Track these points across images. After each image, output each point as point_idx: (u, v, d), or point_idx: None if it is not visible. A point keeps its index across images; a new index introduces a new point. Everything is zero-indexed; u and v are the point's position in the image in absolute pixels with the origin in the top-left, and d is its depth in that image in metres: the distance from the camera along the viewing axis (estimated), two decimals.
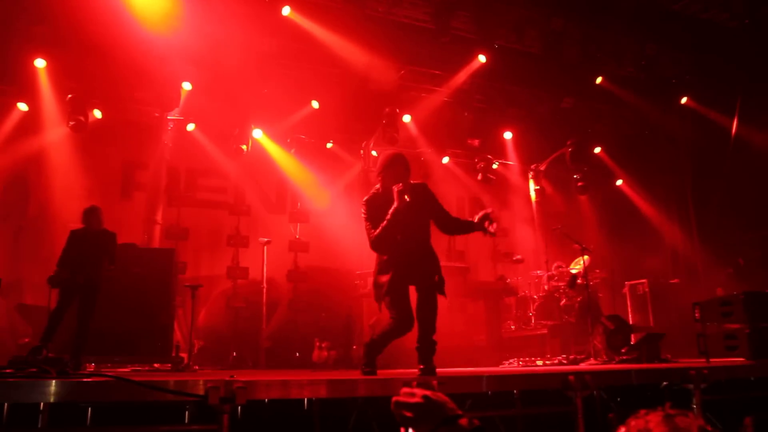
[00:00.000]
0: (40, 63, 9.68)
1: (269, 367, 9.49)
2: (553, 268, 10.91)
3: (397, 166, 4.85)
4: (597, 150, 13.76)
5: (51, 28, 9.48)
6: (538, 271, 11.17)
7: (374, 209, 4.79)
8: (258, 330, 10.34)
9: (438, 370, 4.82)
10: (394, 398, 1.52)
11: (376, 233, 4.69)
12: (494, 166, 13.11)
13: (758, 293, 5.79)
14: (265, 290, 10.52)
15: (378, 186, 4.95)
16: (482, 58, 11.10)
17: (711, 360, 5.66)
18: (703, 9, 11.94)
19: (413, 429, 1.45)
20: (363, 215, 4.85)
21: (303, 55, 11.29)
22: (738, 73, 11.93)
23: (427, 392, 1.48)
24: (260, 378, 4.46)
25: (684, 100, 13.08)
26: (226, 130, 11.39)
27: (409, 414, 1.45)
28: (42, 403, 3.19)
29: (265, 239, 10.39)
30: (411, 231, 4.82)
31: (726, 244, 12.62)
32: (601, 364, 6.33)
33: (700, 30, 12.54)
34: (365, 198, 4.95)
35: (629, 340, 6.85)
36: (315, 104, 11.46)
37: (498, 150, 13.25)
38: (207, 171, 11.54)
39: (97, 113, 10.52)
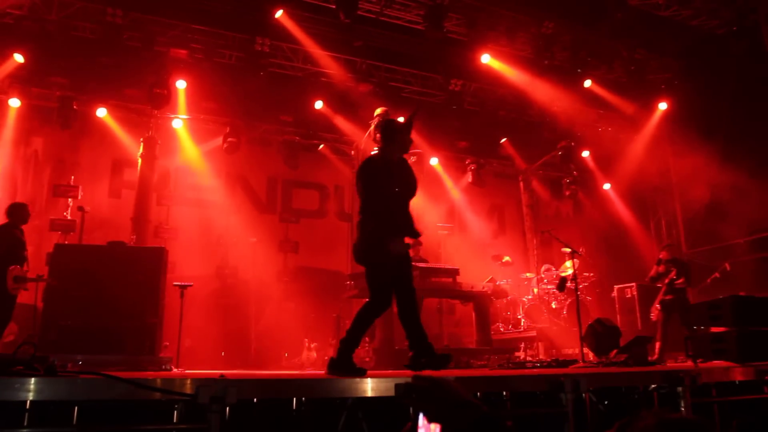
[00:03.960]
0: (18, 58, 9.53)
1: (258, 366, 9.45)
2: (542, 271, 10.96)
3: (407, 134, 4.70)
4: (585, 154, 13.86)
5: (35, 21, 9.38)
6: (528, 274, 11.22)
7: (378, 177, 4.56)
8: (246, 330, 10.29)
9: (428, 371, 4.80)
10: (407, 382, 1.53)
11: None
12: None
13: (746, 297, 5.85)
14: (254, 290, 10.47)
15: (375, 152, 4.72)
16: (486, 58, 11.13)
17: (699, 363, 5.70)
18: (693, 16, 12.06)
19: (423, 413, 1.45)
20: (363, 181, 4.58)
21: (295, 55, 11.29)
22: (725, 79, 12.05)
23: (437, 377, 1.49)
24: (250, 377, 4.43)
25: (664, 105, 13.20)
26: (216, 129, 11.35)
27: (419, 398, 1.46)
28: (28, 402, 3.14)
29: (255, 239, 10.35)
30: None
31: (713, 249, 12.74)
32: (590, 366, 6.35)
33: (690, 36, 12.67)
34: (363, 166, 4.66)
35: (618, 343, 6.88)
36: (319, 104, 11.43)
37: (488, 152, 13.30)
38: (197, 170, 11.46)
39: (101, 112, 10.45)
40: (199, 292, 10.50)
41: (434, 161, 12.94)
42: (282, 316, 10.70)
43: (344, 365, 4.53)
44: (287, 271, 11.31)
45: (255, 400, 5.45)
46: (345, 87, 11.44)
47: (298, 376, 5.08)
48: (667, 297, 8.49)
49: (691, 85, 13.00)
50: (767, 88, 11.91)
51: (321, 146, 12.19)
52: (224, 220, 11.17)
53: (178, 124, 11.13)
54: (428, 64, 11.95)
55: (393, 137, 4.71)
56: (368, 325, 4.74)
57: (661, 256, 8.85)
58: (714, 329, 6.05)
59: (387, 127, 4.82)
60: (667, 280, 8.44)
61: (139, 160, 10.67)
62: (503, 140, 13.05)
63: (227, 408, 5.34)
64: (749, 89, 11.95)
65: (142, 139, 10.74)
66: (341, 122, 11.75)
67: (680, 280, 8.36)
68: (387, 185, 4.56)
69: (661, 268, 8.74)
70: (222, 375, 3.70)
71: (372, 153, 4.85)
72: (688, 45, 12.97)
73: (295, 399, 5.21)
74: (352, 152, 11.94)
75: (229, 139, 11.01)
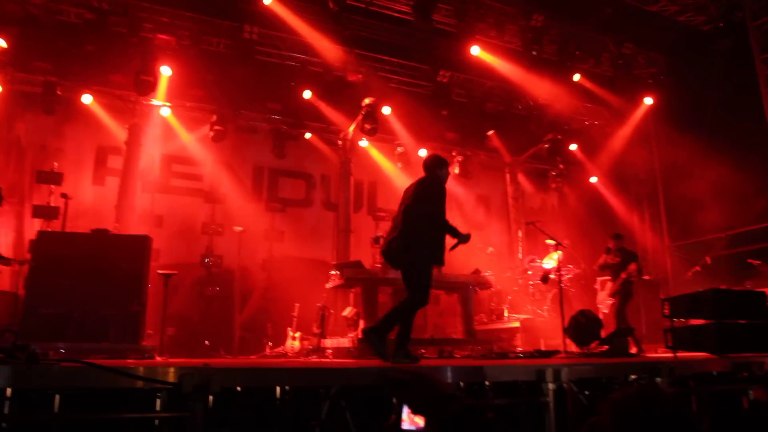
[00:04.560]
0: (1, 42, 9.36)
1: (241, 355, 9.44)
2: (526, 263, 11.05)
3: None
4: (573, 147, 13.94)
5: (19, 4, 9.23)
6: (513, 265, 11.30)
7: (443, 197, 5.48)
8: (231, 319, 10.28)
9: (423, 362, 4.86)
10: (392, 375, 1.55)
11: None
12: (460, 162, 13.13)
13: (725, 291, 5.96)
14: (238, 279, 10.44)
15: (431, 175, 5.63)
16: (475, 50, 11.13)
17: (678, 354, 5.79)
18: (680, 11, 12.14)
19: (406, 403, 1.48)
20: (439, 196, 5.41)
21: (284, 44, 11.21)
22: (711, 75, 12.16)
23: (421, 370, 1.51)
24: (234, 366, 4.43)
25: (650, 100, 13.30)
26: (203, 117, 11.26)
27: (403, 390, 1.48)
28: (9, 390, 3.13)
29: (240, 228, 10.31)
30: None
31: (695, 242, 12.93)
32: (572, 357, 6.43)
33: (677, 32, 12.75)
34: (436, 184, 5.54)
35: (599, 334, 6.97)
36: (307, 93, 11.36)
37: (475, 144, 13.33)
38: (182, 158, 11.38)
39: (86, 98, 10.30)
40: (183, 281, 10.47)
41: (422, 152, 12.93)
42: (266, 305, 10.70)
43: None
44: (272, 259, 11.30)
45: (239, 388, 5.45)
46: (333, 76, 11.39)
47: (281, 365, 5.09)
48: (620, 287, 8.57)
49: (676, 81, 13.10)
50: (752, 85, 12.05)
51: (308, 135, 12.14)
52: (209, 208, 11.12)
53: (165, 111, 11.02)
54: (417, 55, 11.93)
55: (441, 169, 5.67)
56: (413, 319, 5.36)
57: (610, 245, 8.88)
58: (694, 321, 6.14)
59: (436, 160, 5.74)
60: (624, 275, 8.47)
61: (124, 147, 10.57)
62: (490, 132, 13.08)
63: (210, 396, 5.34)
64: (734, 86, 12.06)
65: (127, 126, 10.64)
66: (329, 111, 11.70)
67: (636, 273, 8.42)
68: (443, 205, 5.44)
69: (610, 258, 8.77)
70: (206, 364, 3.70)
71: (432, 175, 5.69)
72: (675, 40, 13.06)
73: (279, 388, 5.22)
74: (339, 142, 11.94)
75: (216, 127, 10.93)
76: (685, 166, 12.24)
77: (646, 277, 11.55)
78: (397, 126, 12.24)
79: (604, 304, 8.93)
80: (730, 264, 11.58)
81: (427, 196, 5.42)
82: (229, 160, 11.65)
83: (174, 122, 11.17)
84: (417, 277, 5.26)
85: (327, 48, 11.03)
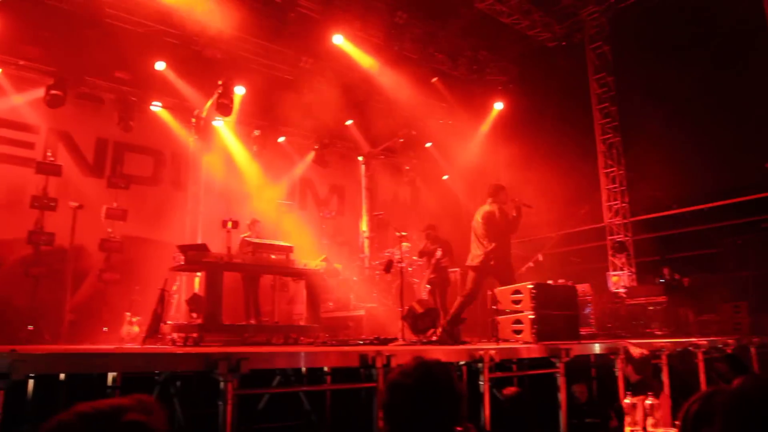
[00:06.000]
0: None
1: (72, 341, 8.76)
2: (379, 256, 11.34)
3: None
4: (428, 144, 14.54)
5: None
6: (361, 255, 11.56)
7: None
8: (61, 302, 9.48)
9: (253, 348, 4.82)
10: None
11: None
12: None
13: (543, 284, 6.59)
14: (72, 259, 9.65)
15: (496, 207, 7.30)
16: (338, 39, 11.17)
17: (500, 342, 6.30)
18: (530, 27, 13.14)
19: None
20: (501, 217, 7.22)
21: (138, 9, 10.49)
22: (553, 88, 13.32)
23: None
24: (51, 352, 4.12)
25: (500, 105, 14.27)
26: (38, 78, 10.22)
27: None
28: None
29: (76, 203, 9.51)
30: None
31: (530, 240, 14.10)
32: (407, 344, 6.74)
33: (526, 45, 13.80)
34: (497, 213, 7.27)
35: (435, 323, 7.36)
36: (161, 65, 10.70)
37: (333, 133, 13.43)
38: (10, 122, 10.24)
39: None
40: (5, 259, 9.50)
41: (281, 139, 12.81)
42: (103, 288, 10.01)
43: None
44: (113, 239, 10.57)
45: (62, 376, 5.08)
46: (190, 51, 10.88)
47: (108, 350, 4.80)
48: (433, 275, 9.10)
49: (523, 90, 14.19)
50: (585, 101, 13.41)
51: (159, 109, 11.48)
52: (41, 180, 10.11)
53: None
54: (280, 39, 11.73)
55: (500, 193, 7.38)
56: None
57: (425, 234, 9.40)
58: (517, 312, 6.70)
59: (497, 187, 7.48)
60: (434, 261, 9.01)
61: None
62: (349, 122, 13.26)
63: (30, 384, 4.93)
64: (570, 100, 13.34)
65: None
66: (183, 87, 11.16)
67: (445, 259, 8.99)
68: (507, 219, 7.25)
69: (425, 246, 9.31)
70: (13, 349, 3.41)
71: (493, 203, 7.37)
72: (524, 53, 14.13)
73: (110, 375, 4.93)
74: (193, 119, 11.41)
75: (53, 92, 9.94)
76: (525, 169, 13.30)
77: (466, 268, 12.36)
78: (255, 109, 11.98)
79: (424, 290, 9.39)
80: (559, 261, 12.79)
81: (496, 219, 7.19)
82: (68, 129, 10.70)
83: (1, 80, 10.02)
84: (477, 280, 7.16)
85: (185, 20, 10.48)
